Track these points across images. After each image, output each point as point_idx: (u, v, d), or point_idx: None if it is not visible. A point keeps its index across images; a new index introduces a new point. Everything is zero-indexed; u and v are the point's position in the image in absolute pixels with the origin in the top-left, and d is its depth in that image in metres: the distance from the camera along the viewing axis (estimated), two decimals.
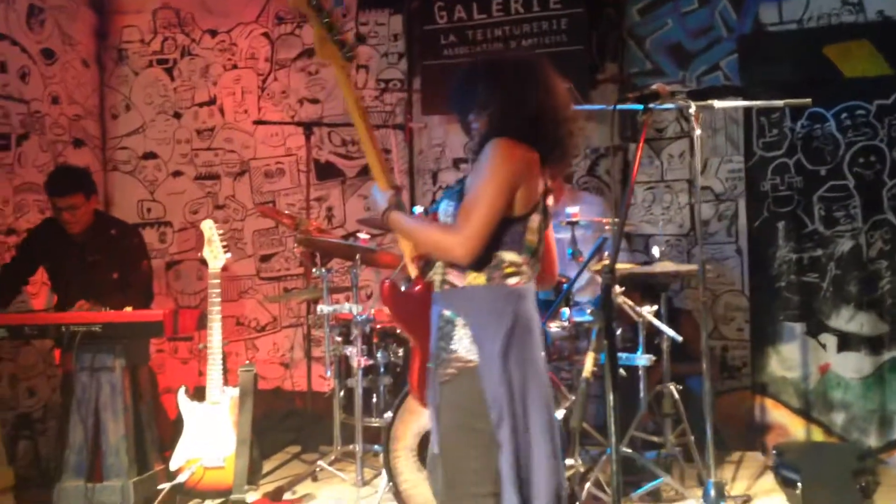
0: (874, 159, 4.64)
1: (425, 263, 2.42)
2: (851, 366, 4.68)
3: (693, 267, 3.96)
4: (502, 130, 2.26)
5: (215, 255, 3.86)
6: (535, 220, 2.30)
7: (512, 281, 2.27)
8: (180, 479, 3.71)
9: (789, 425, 4.78)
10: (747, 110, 4.81)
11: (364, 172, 5.55)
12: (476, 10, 5.11)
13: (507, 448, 2.19)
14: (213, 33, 5.78)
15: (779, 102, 3.19)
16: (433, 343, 2.33)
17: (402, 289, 2.45)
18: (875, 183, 4.64)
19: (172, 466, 3.75)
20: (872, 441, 4.56)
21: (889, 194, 4.62)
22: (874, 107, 4.64)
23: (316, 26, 2.43)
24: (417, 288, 2.42)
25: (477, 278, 2.26)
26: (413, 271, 2.45)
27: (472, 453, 2.23)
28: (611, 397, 2.01)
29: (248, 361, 4.51)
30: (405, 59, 5.46)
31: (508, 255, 2.26)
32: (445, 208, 2.32)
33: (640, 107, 2.42)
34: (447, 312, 2.28)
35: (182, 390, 3.86)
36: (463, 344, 2.24)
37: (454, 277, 2.30)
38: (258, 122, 5.44)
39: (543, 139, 2.28)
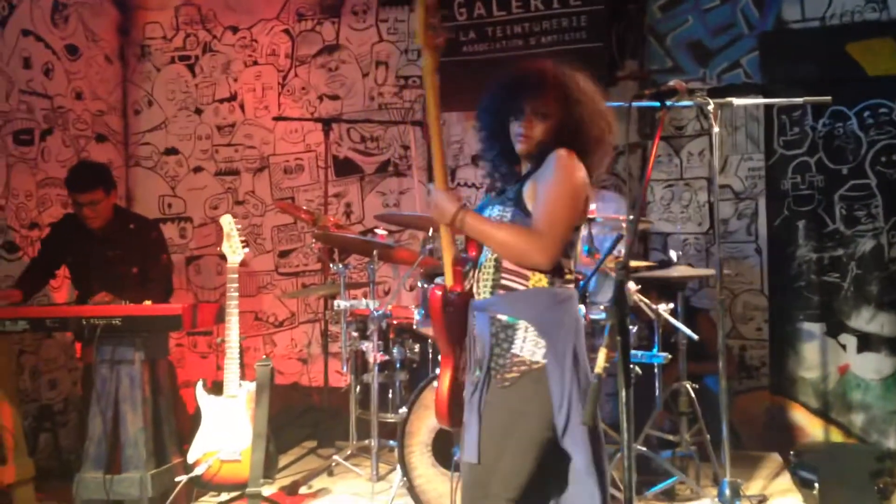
0: None
1: (466, 270, 2.42)
2: (871, 367, 4.64)
3: (710, 271, 3.94)
4: (571, 142, 2.33)
5: (234, 250, 3.88)
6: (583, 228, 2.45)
7: (570, 285, 2.35)
8: (197, 471, 3.74)
9: (808, 426, 4.75)
10: (768, 108, 4.77)
11: (382, 169, 5.57)
12: (496, 7, 5.11)
13: (582, 445, 2.24)
14: (235, 30, 5.82)
15: (798, 100, 3.17)
16: (484, 349, 2.32)
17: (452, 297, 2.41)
18: None
19: (190, 459, 3.78)
20: (892, 443, 4.52)
21: None
22: None
23: (420, 9, 2.47)
24: (459, 294, 2.41)
25: (540, 281, 2.30)
26: (450, 278, 2.43)
27: (509, 457, 2.24)
28: (623, 394, 2.01)
29: (265, 356, 4.54)
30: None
31: (566, 261, 2.35)
32: (500, 214, 2.34)
33: (657, 104, 2.42)
34: (503, 317, 2.30)
35: (200, 384, 3.89)
36: (527, 347, 2.26)
37: (513, 281, 2.32)
38: (277, 119, 5.47)
39: (591, 151, 2.37)
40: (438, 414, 2.45)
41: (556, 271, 2.30)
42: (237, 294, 3.85)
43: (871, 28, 4.60)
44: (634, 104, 2.52)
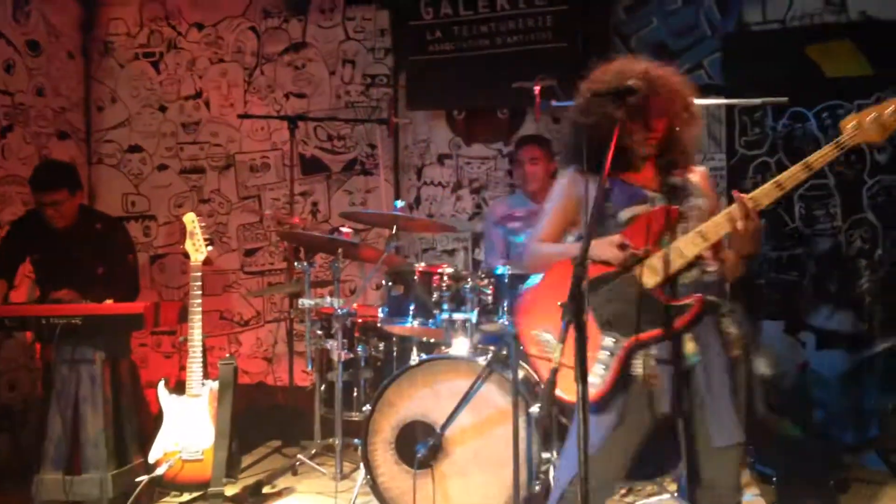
0: (854, 158, 4.67)
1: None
2: (830, 364, 4.71)
3: None
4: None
5: (197, 249, 3.86)
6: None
7: None
8: (159, 471, 3.72)
9: (768, 422, 4.81)
10: (730, 109, 4.83)
11: (349, 167, 5.56)
12: (462, 7, 5.12)
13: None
14: (200, 27, 5.77)
15: (756, 101, 3.22)
16: (713, 331, 2.42)
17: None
18: (855, 182, 4.67)
19: (151, 459, 3.76)
20: (849, 438, 4.59)
21: (868, 193, 4.65)
22: (855, 106, 4.65)
23: None
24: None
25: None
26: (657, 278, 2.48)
27: None
28: (580, 388, 2.03)
29: (228, 354, 4.51)
30: (391, 55, 5.47)
31: None
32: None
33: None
34: (713, 298, 2.44)
35: (162, 383, 3.86)
36: (732, 325, 2.45)
37: (711, 267, 2.49)
38: (242, 116, 5.44)
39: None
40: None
41: None
42: (200, 293, 3.83)
43: (830, 30, 4.68)
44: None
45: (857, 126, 2.35)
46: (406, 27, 5.29)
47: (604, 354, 2.44)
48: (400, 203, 3.96)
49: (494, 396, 3.38)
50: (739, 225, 2.36)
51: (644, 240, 2.47)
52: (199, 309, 3.82)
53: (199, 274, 3.83)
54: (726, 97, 4.64)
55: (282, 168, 5.63)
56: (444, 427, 3.40)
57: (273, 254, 5.66)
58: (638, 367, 2.42)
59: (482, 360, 3.40)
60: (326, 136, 5.61)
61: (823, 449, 4.24)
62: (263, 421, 5.21)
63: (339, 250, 4.02)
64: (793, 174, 2.38)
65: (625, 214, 2.53)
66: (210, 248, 3.87)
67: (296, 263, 4.14)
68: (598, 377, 2.41)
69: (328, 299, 4.02)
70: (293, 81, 5.63)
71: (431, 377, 3.49)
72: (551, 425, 3.50)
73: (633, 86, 2.44)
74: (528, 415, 3.26)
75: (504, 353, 3.40)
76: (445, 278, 3.65)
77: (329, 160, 5.61)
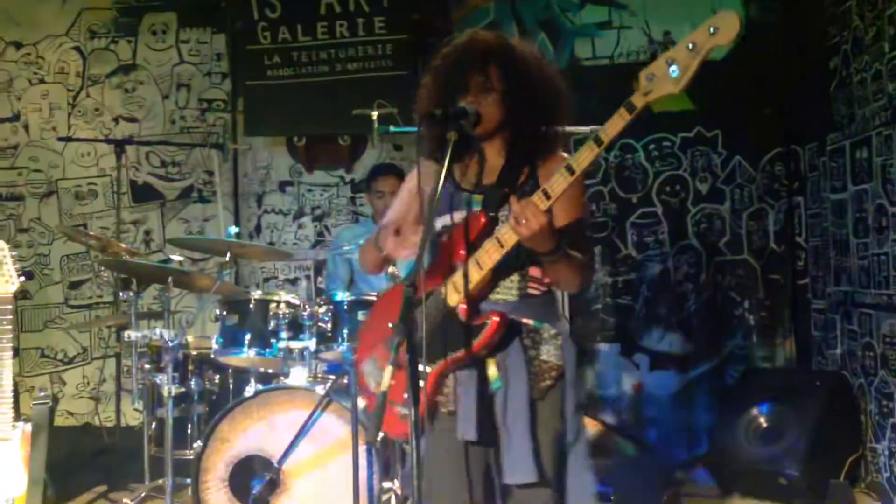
0: (679, 188, 4.94)
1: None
2: (662, 383, 4.92)
3: None
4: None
5: (7, 280, 3.54)
6: None
7: None
8: None
9: (605, 442, 4.94)
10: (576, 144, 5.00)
11: (185, 195, 5.33)
12: (301, 32, 5.05)
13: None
14: (18, 45, 5.41)
15: (585, 129, 3.29)
16: (518, 357, 2.17)
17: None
18: (680, 210, 4.93)
19: None
20: (681, 455, 4.79)
21: (693, 221, 4.93)
22: (678, 139, 4.95)
23: None
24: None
25: (550, 286, 2.28)
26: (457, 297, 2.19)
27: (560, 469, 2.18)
28: (412, 412, 1.98)
29: (42, 393, 4.17)
30: (229, 80, 5.32)
31: None
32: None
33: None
34: (530, 322, 2.20)
35: None
36: (551, 352, 2.19)
37: (534, 287, 2.24)
38: (63, 139, 5.11)
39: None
40: None
41: None
42: (10, 328, 3.51)
43: None
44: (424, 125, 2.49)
45: (651, 77, 1.96)
46: (244, 51, 5.16)
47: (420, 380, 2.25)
48: (234, 230, 3.82)
49: (334, 426, 3.28)
50: (521, 228, 2.02)
51: (457, 252, 2.20)
52: (9, 345, 3.49)
53: (10, 307, 3.51)
54: None
55: (111, 195, 5.32)
56: (281, 460, 3.26)
57: (101, 286, 5.32)
58: (441, 392, 2.23)
59: (320, 390, 3.30)
60: (160, 162, 5.36)
61: (657, 466, 4.39)
62: (89, 465, 4.85)
63: (170, 279, 3.81)
64: (582, 155, 2.02)
65: (440, 223, 2.29)
66: (23, 279, 3.56)
67: (121, 294, 3.88)
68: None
69: (157, 331, 3.78)
70: (123, 105, 5.36)
71: (267, 409, 3.35)
72: (393, 454, 3.44)
73: (465, 108, 2.24)
74: (368, 444, 3.18)
75: (344, 381, 3.32)
76: (282, 306, 3.53)
77: (163, 187, 5.36)
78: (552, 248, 2.07)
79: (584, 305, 5.02)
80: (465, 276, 2.17)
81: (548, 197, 2.03)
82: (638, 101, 1.97)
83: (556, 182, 2.03)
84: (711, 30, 1.88)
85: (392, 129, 3.63)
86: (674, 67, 1.92)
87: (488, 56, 2.26)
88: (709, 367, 4.87)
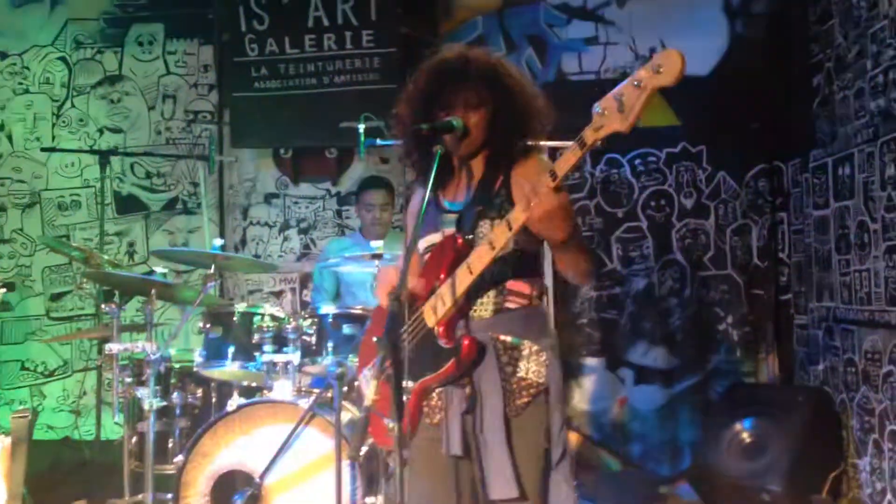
0: (664, 203, 4.96)
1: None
2: (647, 398, 4.91)
3: None
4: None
5: None
6: None
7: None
8: None
9: (590, 456, 4.94)
10: (551, 153, 5.01)
11: (170, 206, 5.30)
12: (288, 45, 5.05)
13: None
14: (3, 55, 5.39)
15: (549, 143, 3.23)
16: (491, 376, 2.17)
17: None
18: (665, 225, 4.95)
19: None
20: (665, 470, 4.79)
21: (677, 235, 4.94)
22: (664, 154, 4.98)
23: None
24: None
25: (536, 300, 2.25)
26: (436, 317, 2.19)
27: (543, 486, 2.18)
28: (396, 427, 1.97)
29: (22, 407, 4.13)
30: (216, 91, 5.30)
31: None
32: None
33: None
34: (508, 338, 2.20)
35: None
36: (531, 369, 2.18)
37: (514, 301, 2.23)
38: (46, 150, 5.08)
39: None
40: None
41: (544, 292, 2.27)
42: None
43: None
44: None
45: (602, 112, 1.93)
46: (231, 63, 5.14)
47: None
48: (219, 242, 3.79)
49: (317, 441, 3.26)
50: (533, 208, 1.98)
51: (437, 274, 2.20)
52: None
53: None
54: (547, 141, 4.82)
55: (95, 206, 5.29)
56: (263, 475, 3.23)
57: (83, 298, 5.28)
58: (426, 405, 2.25)
59: (304, 404, 3.28)
60: (145, 174, 5.33)
61: (641, 481, 4.38)
62: (69, 479, 4.79)
63: (153, 291, 3.78)
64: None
65: (422, 244, 2.31)
66: (3, 290, 3.53)
67: (102, 306, 3.85)
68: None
69: (139, 344, 3.75)
70: (108, 115, 5.34)
71: (250, 423, 3.33)
72: (378, 469, 3.42)
73: (452, 122, 2.27)
74: (351, 459, 3.15)
75: (329, 395, 3.30)
76: (266, 319, 3.51)
77: (148, 199, 5.33)
78: (569, 235, 2.02)
79: (569, 319, 5.02)
80: (443, 299, 2.17)
81: (554, 178, 1.96)
82: (588, 137, 1.96)
83: (562, 163, 1.98)
84: (655, 68, 1.85)
85: (379, 142, 3.62)
86: (622, 104, 1.90)
87: (477, 72, 2.27)
88: (693, 381, 4.88)
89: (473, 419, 2.18)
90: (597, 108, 1.93)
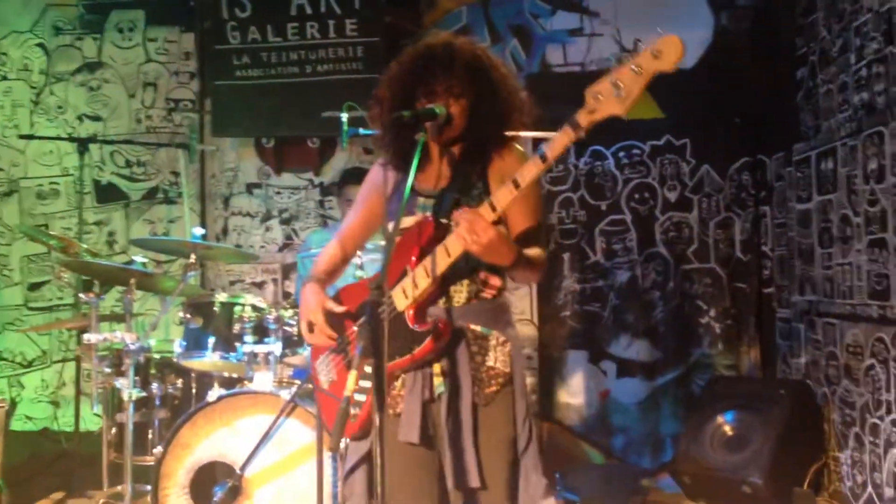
0: (647, 196, 4.96)
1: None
2: (629, 391, 4.92)
3: None
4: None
5: None
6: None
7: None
8: None
9: (573, 449, 4.94)
10: (533, 144, 5.00)
11: (150, 196, 5.24)
12: (271, 33, 5.00)
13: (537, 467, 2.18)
14: None
15: (528, 134, 3.22)
16: (463, 363, 2.17)
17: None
18: (648, 218, 4.95)
19: None
20: (647, 462, 4.80)
21: (661, 228, 4.94)
22: (648, 147, 4.97)
23: None
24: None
25: (504, 292, 2.27)
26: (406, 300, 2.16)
27: (511, 475, 2.18)
28: (377, 418, 1.95)
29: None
30: (197, 80, 5.25)
31: None
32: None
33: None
34: (477, 328, 2.20)
35: None
36: (498, 358, 2.20)
37: (487, 292, 2.23)
38: (24, 137, 5.01)
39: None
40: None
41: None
42: None
43: None
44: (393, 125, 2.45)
45: (597, 96, 1.93)
46: (212, 51, 5.09)
47: (366, 383, 2.19)
48: (199, 231, 3.75)
49: (298, 432, 3.23)
50: (471, 245, 2.00)
51: (408, 257, 2.16)
52: None
53: None
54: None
55: (74, 195, 5.22)
56: (243, 467, 3.20)
57: (62, 288, 5.22)
58: (389, 395, 2.22)
59: (285, 395, 3.25)
60: (125, 162, 5.27)
61: (623, 473, 4.39)
62: (47, 470, 4.74)
63: (132, 281, 3.74)
64: (527, 170, 2.02)
65: (391, 226, 2.21)
66: None
67: (81, 295, 3.80)
68: (359, 407, 2.24)
69: (119, 334, 3.71)
70: (87, 103, 5.27)
71: (230, 414, 3.29)
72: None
73: (434, 110, 2.24)
74: (332, 451, 3.13)
75: (310, 386, 3.27)
76: (247, 309, 3.48)
77: (128, 187, 5.27)
78: (513, 261, 2.08)
79: (552, 312, 5.02)
80: (413, 281, 2.16)
81: (493, 209, 2.04)
82: (583, 119, 1.96)
83: (502, 195, 2.04)
84: (655, 54, 1.86)
85: (362, 131, 3.57)
86: (619, 89, 1.90)
87: (461, 61, 2.25)
88: (675, 374, 4.89)
89: (439, 407, 2.18)
90: (592, 93, 1.93)
